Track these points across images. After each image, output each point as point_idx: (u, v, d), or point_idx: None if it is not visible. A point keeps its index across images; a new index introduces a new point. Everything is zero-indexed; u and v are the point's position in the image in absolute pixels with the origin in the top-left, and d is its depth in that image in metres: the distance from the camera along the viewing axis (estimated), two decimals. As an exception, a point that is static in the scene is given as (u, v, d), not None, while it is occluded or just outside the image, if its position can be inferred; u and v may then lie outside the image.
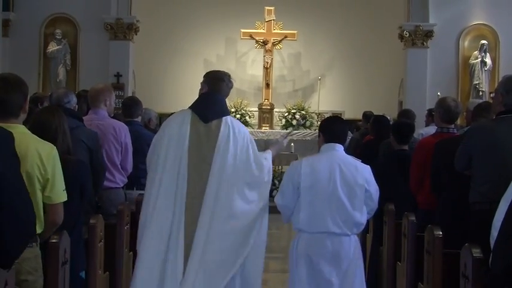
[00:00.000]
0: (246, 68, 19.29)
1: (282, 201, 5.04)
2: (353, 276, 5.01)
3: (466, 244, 4.31)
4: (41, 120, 4.65)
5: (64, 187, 4.14)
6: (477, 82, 16.46)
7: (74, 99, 6.27)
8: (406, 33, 16.57)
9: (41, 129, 4.53)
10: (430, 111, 8.59)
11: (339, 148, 5.09)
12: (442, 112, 6.23)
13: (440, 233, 4.91)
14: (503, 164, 4.76)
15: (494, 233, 3.76)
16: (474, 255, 4.15)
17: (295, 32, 18.25)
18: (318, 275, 4.95)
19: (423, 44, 16.57)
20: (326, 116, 18.11)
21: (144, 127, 7.72)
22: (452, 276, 4.62)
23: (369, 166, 5.19)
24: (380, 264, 7.07)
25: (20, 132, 4.01)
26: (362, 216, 5.03)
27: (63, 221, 4.27)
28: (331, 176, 4.96)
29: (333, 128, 5.16)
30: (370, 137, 9.38)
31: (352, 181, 4.97)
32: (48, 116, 4.68)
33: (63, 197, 4.12)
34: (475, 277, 4.13)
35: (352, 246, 5.02)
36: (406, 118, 8.21)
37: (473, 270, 4.14)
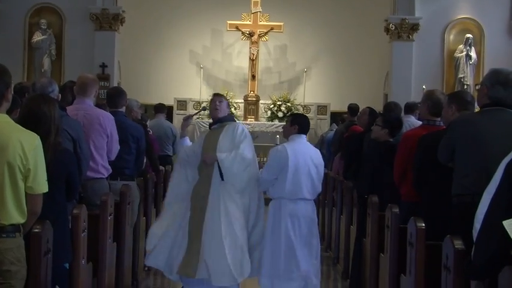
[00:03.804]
0: (231, 59, 19.27)
1: (268, 176, 6.73)
2: (313, 228, 6.86)
3: (448, 236, 4.33)
4: (37, 111, 4.54)
5: (46, 178, 4.11)
6: (462, 76, 16.53)
7: (57, 89, 6.23)
8: (391, 26, 16.61)
9: (37, 119, 4.48)
10: (406, 106, 8.60)
11: (305, 137, 6.92)
12: (431, 105, 6.22)
13: (423, 225, 4.93)
14: (486, 157, 4.76)
15: (477, 225, 3.78)
16: (456, 246, 4.17)
17: (282, 24, 18.25)
18: (293, 229, 6.71)
19: (409, 37, 16.62)
20: (311, 108, 18.29)
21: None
22: (434, 268, 4.65)
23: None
24: (363, 255, 7.11)
25: (3, 122, 3.99)
26: (320, 187, 6.98)
27: (48, 210, 4.25)
28: (305, 158, 6.75)
29: (305, 123, 6.95)
30: (356, 129, 9.41)
31: (317, 162, 6.85)
32: (45, 107, 4.58)
33: (44, 187, 4.09)
34: (456, 268, 4.15)
35: (314, 207, 6.94)
36: (393, 111, 8.20)
37: (454, 261, 4.16)
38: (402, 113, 8.39)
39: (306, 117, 7.24)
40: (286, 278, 6.67)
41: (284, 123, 17.25)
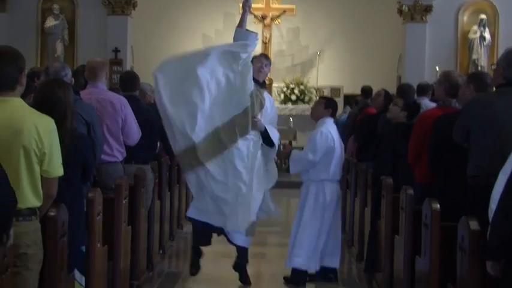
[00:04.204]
0: (244, 43, 19.19)
1: (314, 158, 6.85)
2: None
3: (463, 217, 4.32)
4: (52, 96, 4.54)
5: (61, 161, 4.12)
6: (476, 57, 16.43)
7: (70, 73, 6.24)
8: (405, 8, 16.52)
9: (52, 104, 4.48)
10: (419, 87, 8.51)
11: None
12: (448, 86, 6.17)
13: (438, 206, 4.92)
14: (501, 137, 4.73)
15: (493, 206, 3.77)
16: (471, 227, 4.16)
17: (294, 6, 18.18)
18: (333, 212, 6.97)
19: (422, 19, 16.53)
20: (325, 91, 18.23)
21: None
22: (450, 249, 4.64)
23: None
24: (378, 237, 7.10)
25: (17, 106, 4.00)
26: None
27: (64, 194, 4.27)
28: (340, 140, 7.04)
29: (336, 108, 7.20)
30: (369, 111, 9.37)
31: (342, 144, 7.13)
32: (59, 91, 4.58)
33: (60, 171, 4.10)
34: (472, 249, 4.14)
35: None
36: (407, 93, 8.13)
37: (470, 242, 4.15)
38: (415, 95, 8.34)
39: (336, 102, 7.47)
40: (320, 257, 6.92)
41: (296, 105, 17.56)
